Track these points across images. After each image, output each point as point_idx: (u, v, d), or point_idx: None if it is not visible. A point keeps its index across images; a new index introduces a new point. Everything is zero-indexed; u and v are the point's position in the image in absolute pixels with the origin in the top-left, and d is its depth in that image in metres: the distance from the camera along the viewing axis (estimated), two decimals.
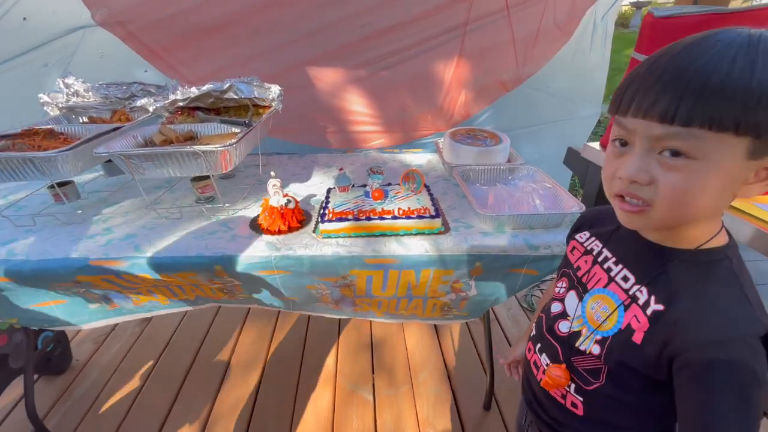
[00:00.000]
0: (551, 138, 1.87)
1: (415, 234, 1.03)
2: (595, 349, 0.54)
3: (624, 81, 0.47)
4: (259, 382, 1.56)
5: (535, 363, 0.65)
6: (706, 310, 0.46)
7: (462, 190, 1.15)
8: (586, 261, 0.61)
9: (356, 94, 1.75)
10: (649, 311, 0.49)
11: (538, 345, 0.65)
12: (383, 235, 1.03)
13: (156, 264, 0.94)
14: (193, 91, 1.31)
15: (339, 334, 1.79)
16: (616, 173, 0.47)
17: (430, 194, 1.16)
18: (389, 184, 1.23)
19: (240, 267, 0.95)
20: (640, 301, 0.50)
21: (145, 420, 1.43)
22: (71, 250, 0.96)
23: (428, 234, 1.03)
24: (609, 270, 0.57)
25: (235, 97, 1.31)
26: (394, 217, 1.03)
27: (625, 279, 0.54)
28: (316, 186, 1.34)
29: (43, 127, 1.13)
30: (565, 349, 0.59)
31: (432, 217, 1.04)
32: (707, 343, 0.44)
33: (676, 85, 0.40)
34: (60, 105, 1.36)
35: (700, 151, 0.41)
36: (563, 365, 0.58)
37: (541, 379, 0.62)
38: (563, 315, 0.61)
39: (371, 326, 1.83)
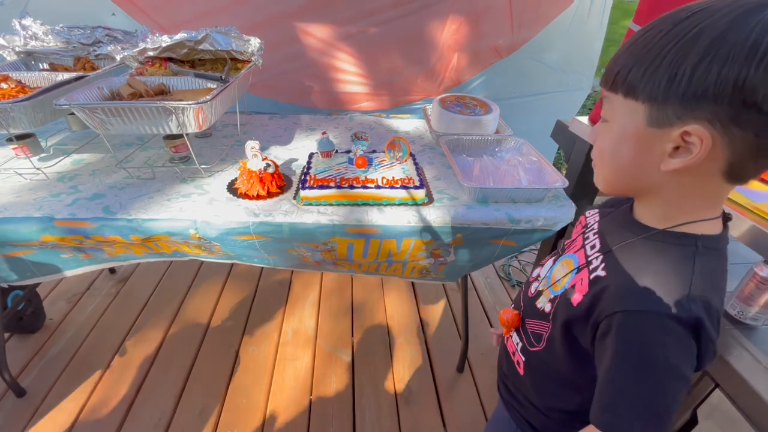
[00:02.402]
0: (543, 109, 1.83)
1: (398, 204, 1.02)
2: (547, 307, 0.55)
3: None
4: (240, 342, 1.58)
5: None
6: (636, 282, 0.45)
7: (447, 160, 1.13)
8: (578, 232, 0.62)
9: (344, 51, 1.65)
10: (592, 276, 0.49)
11: (512, 306, 0.68)
12: (366, 204, 1.01)
13: (127, 227, 0.90)
14: (165, 40, 1.20)
15: (320, 299, 1.81)
16: None
17: (416, 164, 1.13)
18: (374, 152, 1.19)
19: (216, 232, 0.92)
20: (592, 266, 0.51)
21: (125, 376, 1.44)
22: (34, 209, 0.90)
23: (411, 205, 1.02)
24: (586, 238, 0.57)
25: (211, 48, 1.22)
26: (378, 187, 1.01)
27: (593, 246, 0.54)
28: (298, 150, 1.29)
29: None
30: (527, 308, 0.61)
31: (416, 187, 1.02)
32: (622, 311, 0.43)
33: (625, 51, 0.43)
34: (17, 49, 1.24)
35: (610, 113, 0.45)
36: (516, 311, 0.62)
37: (507, 338, 0.66)
38: (537, 278, 0.63)
39: (352, 292, 1.85)
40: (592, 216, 0.62)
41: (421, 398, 1.41)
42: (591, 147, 0.52)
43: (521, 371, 0.61)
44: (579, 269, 0.52)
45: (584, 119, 1.29)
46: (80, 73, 1.11)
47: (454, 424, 1.34)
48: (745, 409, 0.73)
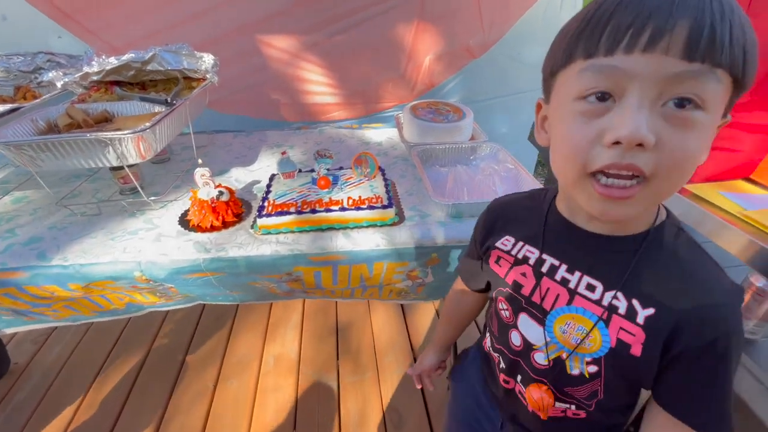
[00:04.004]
0: (522, 108, 1.76)
1: (366, 226, 0.94)
2: (591, 369, 0.47)
3: (599, 7, 0.35)
4: (218, 375, 1.49)
5: (521, 392, 0.57)
6: (702, 300, 0.41)
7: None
8: (524, 274, 0.51)
9: (309, 61, 1.57)
10: (639, 320, 0.42)
11: (519, 377, 0.56)
12: (330, 228, 0.93)
13: (63, 274, 0.82)
14: (111, 62, 1.12)
15: (303, 320, 1.73)
16: (605, 136, 0.35)
17: (385, 179, 1.06)
18: (340, 168, 1.12)
19: (164, 273, 0.84)
20: (621, 311, 0.43)
21: (96, 420, 1.35)
22: None
23: (380, 226, 0.94)
24: (565, 282, 0.47)
25: (161, 68, 1.14)
26: (342, 209, 0.93)
27: (591, 288, 0.45)
28: (262, 170, 1.21)
29: None
30: (552, 379, 0.51)
31: (384, 207, 0.94)
32: (717, 334, 0.40)
33: (703, 9, 0.31)
34: None
35: (716, 98, 0.33)
36: (543, 386, 0.52)
37: (533, 410, 0.55)
38: (530, 347, 0.52)
39: (337, 311, 1.77)
40: (519, 248, 0.53)
41: (412, 421, 1.34)
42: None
43: (584, 415, 0.53)
44: (606, 321, 0.44)
45: None
46: (15, 105, 1.03)
47: None
48: None
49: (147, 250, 0.84)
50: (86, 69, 1.12)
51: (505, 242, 0.54)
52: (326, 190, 0.99)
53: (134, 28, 1.50)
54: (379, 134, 1.46)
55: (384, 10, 1.44)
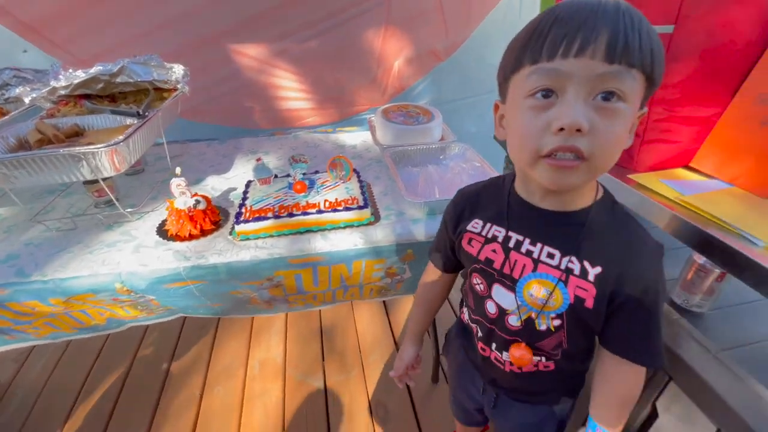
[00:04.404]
0: (488, 109, 1.83)
1: (344, 227, 0.98)
2: (556, 323, 0.56)
3: (539, 24, 0.44)
4: (203, 383, 1.50)
5: (496, 359, 0.66)
6: (635, 257, 0.51)
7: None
8: (494, 250, 0.59)
9: (281, 68, 1.60)
10: (591, 277, 0.51)
11: (494, 344, 0.65)
12: (308, 231, 0.96)
13: (44, 289, 0.82)
14: (79, 75, 1.12)
15: (287, 324, 1.74)
16: (552, 125, 0.43)
17: (360, 181, 1.09)
18: (316, 172, 1.15)
19: (145, 283, 0.85)
20: (576, 272, 0.52)
21: None
22: None
23: (357, 226, 0.98)
24: (529, 253, 0.56)
25: (130, 80, 1.14)
26: (320, 211, 0.96)
27: (551, 256, 0.54)
28: (237, 177, 1.23)
29: None
30: (525, 336, 0.60)
31: (360, 207, 0.98)
32: (647, 284, 0.51)
33: (618, 22, 0.40)
34: None
35: (633, 92, 0.42)
36: (522, 344, 0.60)
37: (510, 370, 0.64)
38: (504, 312, 0.60)
39: (320, 314, 1.79)
40: (488, 228, 0.61)
41: (398, 415, 1.38)
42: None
43: (552, 367, 0.62)
44: (565, 282, 0.53)
45: None
46: None
47: None
48: (699, 400, 0.73)
49: (126, 261, 0.85)
50: (53, 83, 1.12)
51: (475, 225, 0.63)
52: (303, 194, 1.02)
53: (101, 39, 1.48)
54: (354, 137, 1.50)
55: (353, 16, 1.47)
